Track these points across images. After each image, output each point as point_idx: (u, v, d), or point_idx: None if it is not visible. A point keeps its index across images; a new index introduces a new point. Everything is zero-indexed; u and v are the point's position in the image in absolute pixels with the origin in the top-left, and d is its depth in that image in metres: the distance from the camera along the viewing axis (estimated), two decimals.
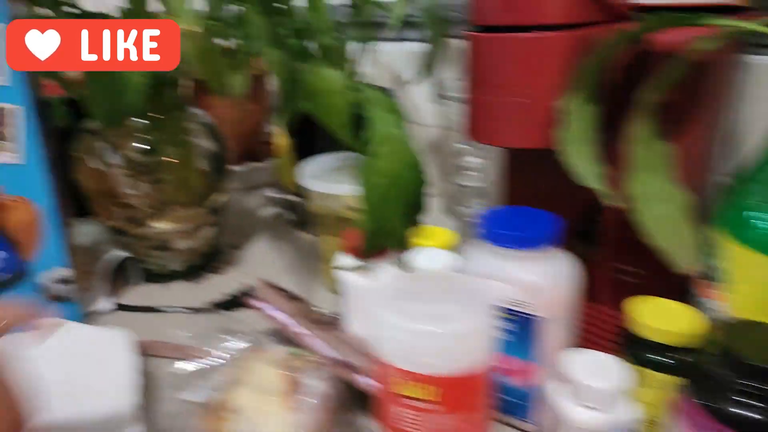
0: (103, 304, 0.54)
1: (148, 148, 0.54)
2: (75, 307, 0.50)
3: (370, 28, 0.60)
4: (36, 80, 0.45)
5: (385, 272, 0.44)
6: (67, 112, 0.55)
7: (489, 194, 0.58)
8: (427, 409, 0.28)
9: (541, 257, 0.34)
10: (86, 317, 0.52)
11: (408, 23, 0.66)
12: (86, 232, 0.61)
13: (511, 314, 0.34)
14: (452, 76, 0.62)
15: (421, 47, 0.58)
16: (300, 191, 0.63)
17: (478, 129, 0.39)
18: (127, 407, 0.37)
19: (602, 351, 0.33)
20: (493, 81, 0.36)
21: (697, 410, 0.27)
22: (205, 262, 0.63)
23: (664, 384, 0.31)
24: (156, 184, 0.55)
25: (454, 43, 0.61)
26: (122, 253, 0.58)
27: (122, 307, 0.55)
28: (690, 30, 0.33)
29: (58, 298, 0.49)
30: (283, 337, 0.43)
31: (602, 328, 0.40)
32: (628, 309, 0.34)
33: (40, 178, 0.45)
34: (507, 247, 0.33)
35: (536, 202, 0.37)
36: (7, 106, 0.42)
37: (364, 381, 0.36)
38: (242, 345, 0.42)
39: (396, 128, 0.40)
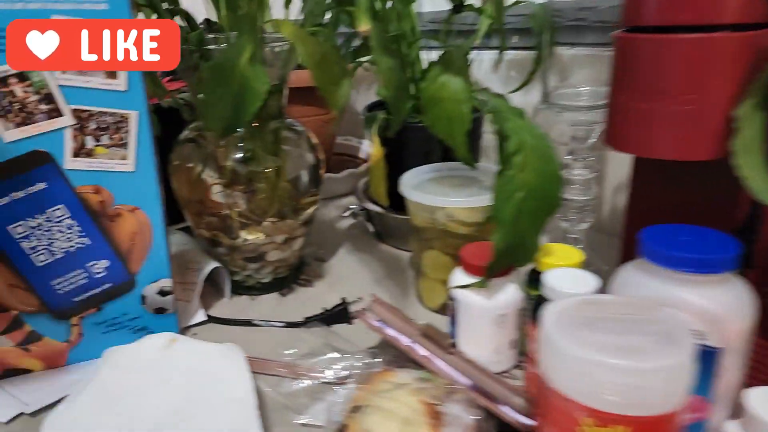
0: (197, 316, 0.53)
1: (245, 157, 0.53)
2: (173, 319, 0.49)
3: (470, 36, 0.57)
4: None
5: (506, 292, 0.41)
6: (157, 121, 0.54)
7: (593, 209, 0.55)
8: None
9: (717, 282, 0.30)
10: (182, 330, 0.51)
11: (512, 30, 0.64)
12: (176, 241, 0.60)
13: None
14: (558, 84, 0.59)
15: (525, 55, 0.56)
16: (387, 203, 0.61)
17: (630, 139, 0.35)
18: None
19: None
20: (655, 87, 0.33)
21: None
22: (292, 275, 0.61)
23: None
24: (251, 195, 0.54)
25: (560, 50, 0.59)
26: (213, 264, 0.57)
27: (214, 320, 0.54)
28: None
29: (160, 310, 0.48)
30: (400, 357, 0.40)
31: (762, 363, 0.36)
32: None
33: (151, 187, 0.44)
34: (682, 270, 0.30)
35: (664, 219, 0.34)
36: (123, 111, 0.41)
37: (510, 413, 0.32)
38: (358, 364, 0.40)
39: (533, 137, 0.37)
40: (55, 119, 0.38)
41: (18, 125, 0.37)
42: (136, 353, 0.42)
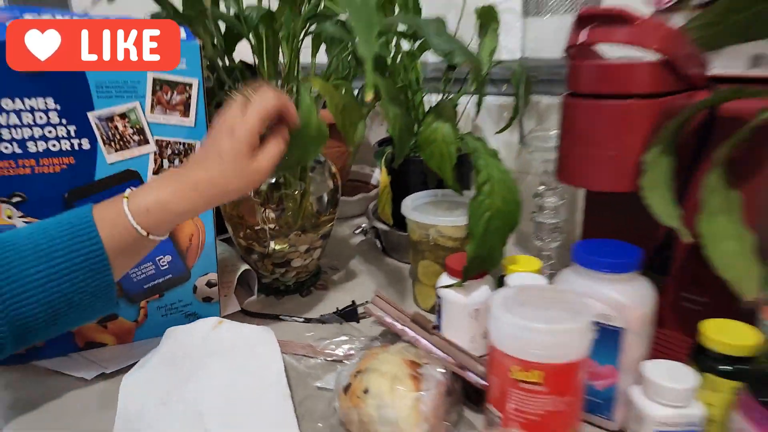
0: (233, 307, 0.65)
1: (277, 182, 0.66)
2: (217, 307, 0.61)
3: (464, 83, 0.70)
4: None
5: (480, 291, 0.53)
6: None
7: (563, 229, 0.66)
8: (534, 390, 0.36)
9: (625, 280, 0.41)
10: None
11: (497, 80, 0.77)
12: (218, 250, 0.72)
13: (598, 326, 0.41)
14: (535, 128, 0.71)
15: (507, 101, 0.68)
16: (392, 222, 0.73)
17: (571, 174, 0.47)
18: (281, 391, 0.46)
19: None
20: (587, 137, 0.45)
21: (754, 405, 0.33)
22: (311, 279, 0.73)
23: (724, 387, 0.38)
24: (281, 212, 0.66)
25: (538, 99, 0.71)
26: (245, 266, 0.69)
27: (246, 313, 0.66)
28: (754, 101, 0.41)
29: (207, 299, 0.60)
30: (395, 340, 0.51)
31: (670, 348, 0.47)
32: (698, 327, 0.41)
33: None
34: (597, 270, 0.41)
35: (611, 237, 0.45)
36: (191, 141, 0.54)
37: (472, 377, 0.43)
38: (362, 345, 0.51)
39: (500, 172, 0.49)
40: (143, 146, 0.51)
41: (117, 150, 0.51)
42: (191, 331, 0.54)
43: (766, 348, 0.36)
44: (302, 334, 0.59)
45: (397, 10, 0.67)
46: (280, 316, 0.64)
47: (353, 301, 0.66)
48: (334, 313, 0.64)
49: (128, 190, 0.42)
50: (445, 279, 0.54)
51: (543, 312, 0.37)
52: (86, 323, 0.52)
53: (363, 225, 0.86)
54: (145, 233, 0.41)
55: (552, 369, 0.35)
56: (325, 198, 0.69)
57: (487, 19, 0.72)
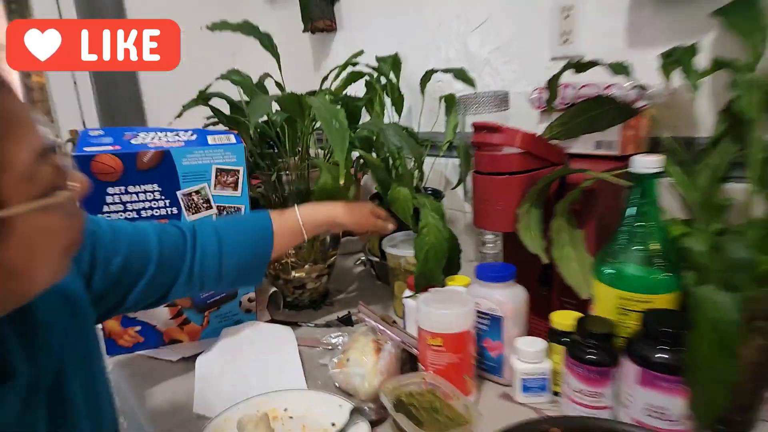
0: (265, 317, 0.92)
1: None
2: (254, 316, 0.88)
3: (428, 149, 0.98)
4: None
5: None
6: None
7: (498, 257, 0.91)
8: (440, 350, 0.61)
9: (504, 287, 0.67)
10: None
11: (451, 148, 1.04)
12: None
13: (488, 316, 0.67)
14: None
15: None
16: (380, 255, 1.00)
17: (479, 221, 0.74)
18: (298, 370, 0.73)
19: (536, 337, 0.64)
20: (485, 198, 0.71)
21: (572, 361, 0.58)
22: (321, 299, 1.00)
23: (559, 350, 0.62)
24: (299, 250, 0.94)
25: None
26: (273, 288, 0.96)
27: (275, 321, 0.93)
28: (582, 175, 0.67)
29: (248, 311, 0.88)
30: (370, 332, 0.77)
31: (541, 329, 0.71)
32: (550, 316, 0.66)
33: None
34: (487, 281, 0.67)
35: (522, 261, 0.70)
36: (238, 205, 0.83)
37: (411, 348, 0.69)
38: (349, 337, 0.78)
39: (434, 219, 0.75)
40: (209, 210, 0.80)
41: (193, 213, 0.80)
42: (238, 330, 0.81)
43: (577, 326, 0.61)
44: (313, 334, 0.86)
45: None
46: (298, 323, 0.91)
47: (349, 311, 0.92)
48: (335, 319, 0.91)
49: (296, 207, 0.76)
50: (407, 293, 0.80)
51: (445, 304, 0.63)
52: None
53: (361, 257, 1.13)
54: (304, 234, 0.74)
55: (448, 336, 0.61)
56: (328, 240, 0.96)
57: (450, 103, 1.01)
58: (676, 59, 0.65)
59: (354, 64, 1.03)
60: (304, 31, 1.47)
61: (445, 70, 0.96)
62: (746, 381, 0.54)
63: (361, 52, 1.20)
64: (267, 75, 1.01)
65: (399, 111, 1.06)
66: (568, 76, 0.70)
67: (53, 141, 0.36)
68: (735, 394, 0.54)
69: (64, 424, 0.47)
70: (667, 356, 0.51)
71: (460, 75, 0.94)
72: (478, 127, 0.72)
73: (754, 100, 0.54)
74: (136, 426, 0.72)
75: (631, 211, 0.59)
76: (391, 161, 1.01)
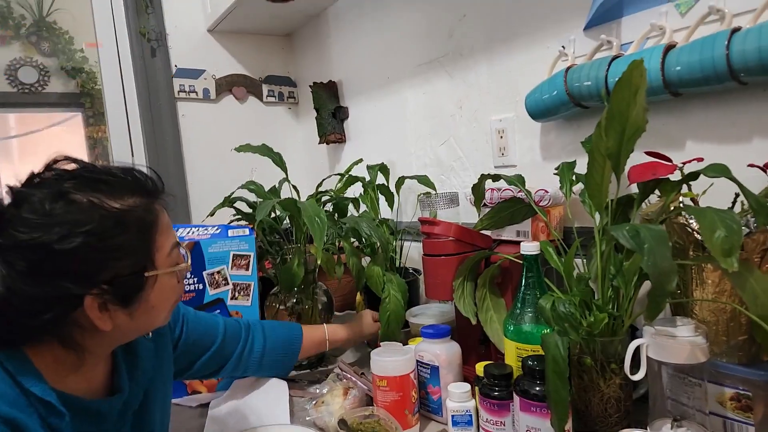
0: None
1: (297, 299, 1.17)
2: None
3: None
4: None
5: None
6: (261, 282, 1.22)
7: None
8: (385, 389, 0.81)
9: (441, 342, 0.87)
10: None
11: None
12: None
13: (429, 365, 0.86)
14: None
15: None
16: None
17: (428, 291, 0.95)
18: (284, 407, 0.93)
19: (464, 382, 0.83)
20: (431, 274, 0.94)
21: (482, 397, 0.77)
22: (318, 361, 1.20)
23: (477, 392, 0.81)
24: (299, 319, 1.17)
25: None
26: None
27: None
28: (497, 257, 0.89)
29: None
30: (347, 381, 0.97)
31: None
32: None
33: (256, 312, 1.09)
34: (429, 338, 0.87)
35: (468, 325, 0.91)
36: (249, 282, 1.08)
37: (371, 393, 0.88)
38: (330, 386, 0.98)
39: (395, 292, 0.98)
40: (226, 286, 1.06)
41: (214, 289, 1.05)
42: (243, 382, 1.03)
43: (484, 371, 0.79)
44: (303, 387, 1.06)
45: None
46: (295, 379, 1.12)
47: (338, 366, 1.12)
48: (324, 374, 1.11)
49: (325, 325, 1.03)
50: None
51: (390, 354, 0.83)
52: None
53: None
54: (327, 345, 0.99)
55: (392, 378, 0.81)
56: (324, 307, 1.19)
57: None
58: (561, 171, 0.89)
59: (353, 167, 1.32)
60: (319, 143, 1.81)
61: (412, 177, 1.23)
62: (611, 412, 0.71)
63: (360, 161, 1.51)
64: (285, 180, 1.31)
65: (390, 206, 1.33)
66: (495, 182, 0.95)
67: (179, 239, 0.64)
68: (603, 422, 0.71)
69: None
70: (537, 388, 0.69)
71: (423, 180, 1.21)
72: (423, 222, 0.96)
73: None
74: None
75: (523, 282, 0.80)
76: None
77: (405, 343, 0.93)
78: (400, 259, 1.26)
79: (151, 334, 0.72)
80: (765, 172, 0.70)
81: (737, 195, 0.67)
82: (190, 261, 0.67)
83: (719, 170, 0.63)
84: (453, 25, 1.23)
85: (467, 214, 1.11)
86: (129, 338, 0.65)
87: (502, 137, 1.13)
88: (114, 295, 0.56)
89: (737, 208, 0.69)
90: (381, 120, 1.58)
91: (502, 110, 1.14)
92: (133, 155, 1.72)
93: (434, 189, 1.21)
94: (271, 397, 0.96)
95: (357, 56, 1.64)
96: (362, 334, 1.10)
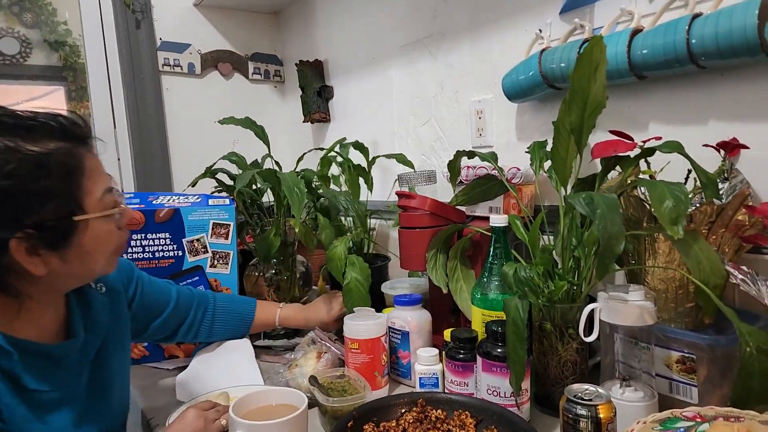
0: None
1: (276, 272, 1.20)
2: None
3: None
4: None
5: None
6: (241, 254, 1.24)
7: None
8: (357, 352, 0.85)
9: (412, 309, 0.91)
10: None
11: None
12: None
13: (400, 332, 0.90)
14: None
15: None
16: None
17: (402, 263, 0.99)
18: (256, 375, 0.96)
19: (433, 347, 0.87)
20: (406, 245, 0.97)
21: (448, 360, 0.81)
22: (294, 330, 1.23)
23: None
24: (276, 287, 1.19)
25: None
26: None
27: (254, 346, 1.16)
28: (470, 229, 0.93)
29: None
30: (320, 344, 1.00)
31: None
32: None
33: (234, 280, 1.11)
34: (401, 305, 0.91)
35: (440, 296, 0.94)
36: (228, 251, 1.10)
37: (342, 356, 0.92)
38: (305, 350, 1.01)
39: (356, 274, 1.00)
40: (205, 254, 1.08)
41: (194, 256, 1.07)
42: (209, 347, 1.05)
43: (451, 336, 0.83)
44: (279, 353, 1.09)
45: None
46: (272, 347, 1.15)
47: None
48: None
49: (282, 304, 1.05)
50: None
51: (363, 320, 0.87)
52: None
53: None
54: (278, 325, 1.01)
55: (363, 341, 0.84)
56: (302, 279, 1.22)
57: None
58: (532, 150, 0.93)
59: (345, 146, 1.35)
60: (303, 121, 1.82)
61: (389, 156, 1.25)
62: (567, 375, 0.76)
63: (344, 139, 1.53)
64: (268, 155, 1.32)
65: (369, 186, 1.35)
66: (471, 160, 0.98)
67: (114, 185, 0.65)
68: (559, 384, 0.76)
69: (100, 392, 0.72)
70: (499, 350, 0.73)
71: (401, 159, 1.24)
72: (400, 195, 0.99)
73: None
74: (135, 411, 0.95)
75: (491, 252, 0.84)
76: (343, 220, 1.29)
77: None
78: (370, 242, 1.28)
79: (104, 288, 0.76)
80: (718, 151, 0.74)
81: (689, 171, 0.72)
82: (129, 206, 0.69)
83: (673, 147, 0.67)
84: (437, 6, 1.26)
85: (444, 192, 1.14)
86: (70, 285, 0.67)
87: (480, 118, 1.16)
88: (41, 240, 0.57)
89: (690, 185, 0.73)
90: (365, 100, 1.60)
91: (481, 91, 1.17)
92: (115, 127, 1.72)
93: (413, 167, 1.24)
94: (241, 361, 0.99)
95: (343, 36, 1.65)
96: (315, 320, 1.07)
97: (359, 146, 1.31)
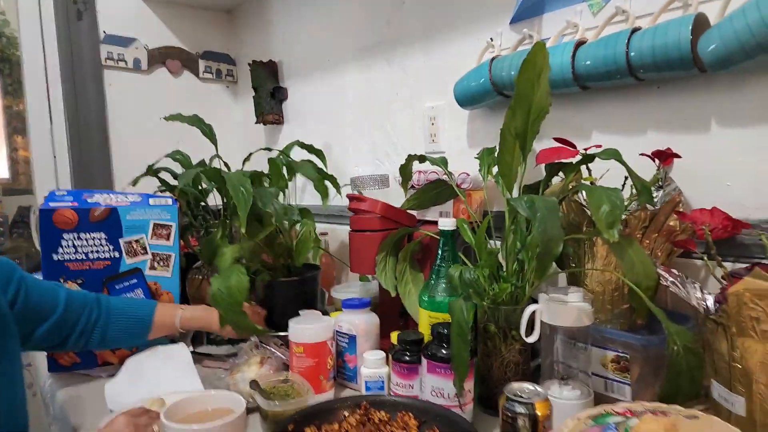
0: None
1: None
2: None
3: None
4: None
5: None
6: (185, 257, 1.19)
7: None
8: (301, 356, 0.83)
9: (359, 312, 0.90)
10: None
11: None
12: None
13: (347, 335, 0.88)
14: None
15: None
16: None
17: (352, 266, 0.98)
18: (195, 380, 0.92)
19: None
20: (356, 248, 0.96)
21: (394, 362, 0.80)
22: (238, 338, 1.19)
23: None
24: None
25: None
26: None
27: (195, 353, 1.12)
28: (420, 233, 0.93)
29: (173, 341, 1.07)
30: (263, 349, 0.97)
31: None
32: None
33: (176, 284, 1.06)
34: (348, 308, 0.90)
35: (390, 300, 0.93)
36: (170, 253, 1.05)
37: (288, 361, 0.90)
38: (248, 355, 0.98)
39: (221, 286, 0.99)
40: (144, 255, 1.03)
41: (131, 257, 1.02)
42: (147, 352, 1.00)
43: (397, 338, 0.83)
44: (222, 359, 1.05)
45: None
46: (212, 354, 1.10)
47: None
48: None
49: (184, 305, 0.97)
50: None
51: (309, 323, 0.85)
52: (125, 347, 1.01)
53: None
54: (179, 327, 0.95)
55: (307, 345, 0.83)
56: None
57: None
58: (481, 156, 0.94)
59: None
60: (256, 122, 1.78)
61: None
62: (510, 375, 0.77)
63: (297, 142, 1.50)
64: (216, 156, 1.28)
65: (323, 193, 1.33)
66: (422, 165, 0.98)
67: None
68: (502, 384, 0.76)
69: None
70: (443, 352, 0.73)
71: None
72: (351, 198, 0.98)
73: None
74: (63, 421, 0.88)
75: (439, 255, 0.84)
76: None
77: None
78: (306, 249, 1.25)
79: None
80: (654, 160, 0.78)
81: (626, 178, 0.75)
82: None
83: (611, 154, 0.69)
84: (392, 13, 1.26)
85: (397, 197, 1.14)
86: None
87: (433, 124, 1.17)
88: None
89: (627, 192, 0.76)
90: (320, 103, 1.58)
91: (434, 97, 1.18)
92: (51, 122, 1.62)
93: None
94: (176, 367, 0.95)
95: (299, 37, 1.64)
96: (213, 327, 0.99)
97: (315, 150, 1.29)
